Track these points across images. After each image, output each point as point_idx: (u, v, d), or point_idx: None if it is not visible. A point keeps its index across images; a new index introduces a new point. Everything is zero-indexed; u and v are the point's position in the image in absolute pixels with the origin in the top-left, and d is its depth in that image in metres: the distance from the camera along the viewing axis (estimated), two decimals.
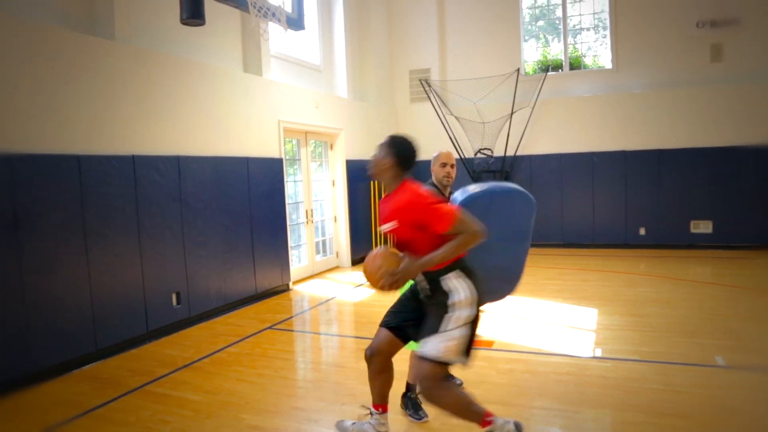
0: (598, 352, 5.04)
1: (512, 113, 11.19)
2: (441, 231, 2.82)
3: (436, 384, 2.91)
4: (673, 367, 4.53)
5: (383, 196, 3.20)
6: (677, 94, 10.56)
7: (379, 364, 3.21)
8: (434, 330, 2.91)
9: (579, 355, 4.93)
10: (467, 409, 2.96)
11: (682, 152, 10.48)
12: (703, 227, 10.51)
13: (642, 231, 10.78)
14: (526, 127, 11.32)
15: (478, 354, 4.97)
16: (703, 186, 10.40)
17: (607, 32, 11.39)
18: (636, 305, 6.60)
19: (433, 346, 2.89)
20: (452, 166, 3.90)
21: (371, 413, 3.31)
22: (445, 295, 2.91)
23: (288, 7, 3.92)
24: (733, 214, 10.24)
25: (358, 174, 10.33)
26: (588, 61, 11.88)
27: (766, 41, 10.06)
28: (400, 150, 3.06)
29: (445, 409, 2.98)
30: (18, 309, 4.57)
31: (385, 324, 3.24)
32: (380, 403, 3.28)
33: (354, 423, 3.41)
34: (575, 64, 11.87)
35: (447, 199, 3.70)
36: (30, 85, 4.78)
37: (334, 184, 10.19)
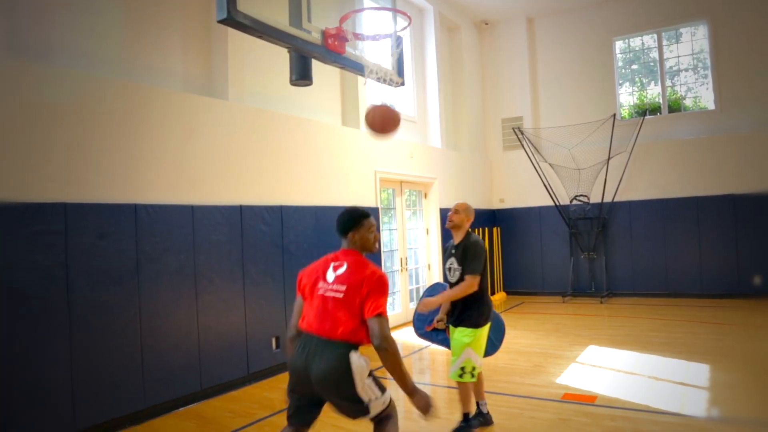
0: (715, 413, 4.67)
1: (609, 159, 10.89)
2: None
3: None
4: None
5: None
6: None
7: None
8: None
9: (693, 415, 4.55)
10: None
11: None
12: None
13: (757, 280, 9.93)
14: (624, 173, 10.96)
15: (580, 410, 4.76)
16: None
17: (708, 72, 10.95)
18: (758, 362, 6.07)
19: None
20: (453, 211, 4.27)
21: None
22: None
23: (388, 65, 4.12)
24: None
25: None
26: (688, 102, 11.43)
27: None
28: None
29: None
30: (135, 349, 4.91)
31: None
32: None
33: None
34: (674, 107, 11.43)
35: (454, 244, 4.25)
36: (154, 142, 5.27)
37: (428, 233, 10.27)
